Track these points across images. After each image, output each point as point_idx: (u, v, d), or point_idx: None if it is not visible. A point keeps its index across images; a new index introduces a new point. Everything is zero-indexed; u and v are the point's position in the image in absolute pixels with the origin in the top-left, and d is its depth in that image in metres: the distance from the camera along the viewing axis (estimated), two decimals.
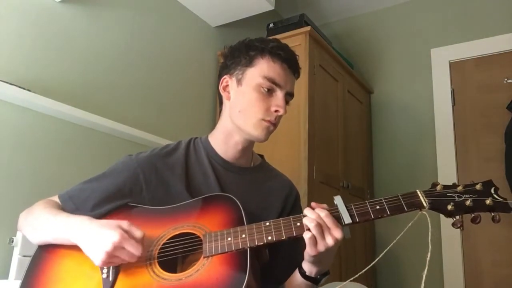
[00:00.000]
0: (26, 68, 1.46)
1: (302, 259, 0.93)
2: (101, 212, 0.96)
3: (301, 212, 1.17)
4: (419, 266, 2.21)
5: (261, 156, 1.20)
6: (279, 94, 1.02)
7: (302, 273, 0.95)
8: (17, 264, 1.26)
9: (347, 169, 2.34)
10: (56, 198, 1.01)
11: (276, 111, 1.02)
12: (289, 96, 1.06)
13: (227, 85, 1.10)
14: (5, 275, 1.28)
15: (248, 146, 1.10)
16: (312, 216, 0.85)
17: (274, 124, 1.04)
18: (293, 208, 1.13)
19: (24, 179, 1.40)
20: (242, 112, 1.03)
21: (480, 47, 2.50)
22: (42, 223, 0.93)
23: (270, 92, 1.02)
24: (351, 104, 2.51)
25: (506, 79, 2.39)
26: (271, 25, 2.33)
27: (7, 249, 1.30)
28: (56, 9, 1.58)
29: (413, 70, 2.70)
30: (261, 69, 1.03)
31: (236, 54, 1.08)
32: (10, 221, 1.33)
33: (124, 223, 0.85)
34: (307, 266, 0.93)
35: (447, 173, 2.45)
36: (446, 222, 2.36)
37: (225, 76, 1.10)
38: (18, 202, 1.36)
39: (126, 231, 0.84)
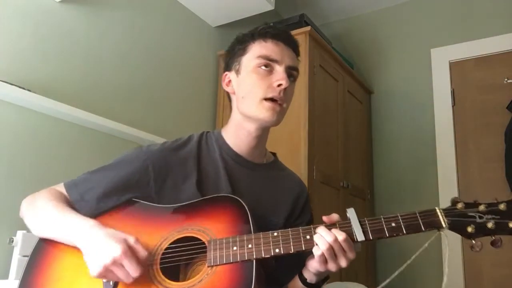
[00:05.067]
0: (26, 68, 1.46)
1: (304, 263, 0.90)
2: (106, 206, 0.94)
3: (311, 213, 1.13)
4: (419, 266, 2.21)
5: (274, 154, 1.17)
6: (279, 68, 1.00)
7: (303, 280, 0.92)
8: (17, 264, 1.26)
9: (347, 169, 2.34)
10: (60, 187, 0.99)
11: (278, 85, 0.98)
12: (292, 70, 1.02)
13: (229, 81, 1.08)
14: (5, 275, 1.28)
15: (261, 136, 1.05)
16: (329, 239, 0.81)
17: (280, 103, 0.99)
18: (303, 210, 1.11)
19: (24, 179, 1.40)
20: (245, 98, 1.01)
21: (480, 47, 2.50)
22: (47, 219, 0.91)
23: (269, 70, 1.00)
24: (351, 104, 2.51)
25: (506, 79, 2.39)
26: (271, 25, 2.32)
27: (7, 249, 1.30)
28: (56, 9, 1.58)
29: (413, 70, 2.70)
30: (254, 52, 1.02)
31: (231, 50, 1.09)
32: (10, 221, 1.33)
33: (131, 239, 0.82)
34: (308, 275, 0.91)
35: (447, 173, 2.45)
36: None
37: (225, 73, 1.09)
38: (18, 202, 1.36)
39: (130, 247, 0.81)
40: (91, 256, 0.81)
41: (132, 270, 0.79)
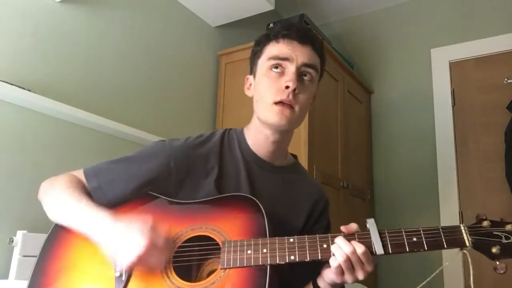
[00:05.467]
0: (26, 68, 1.46)
1: (319, 270, 0.88)
2: (124, 199, 0.94)
3: (329, 220, 1.11)
4: (419, 266, 2.21)
5: (295, 156, 1.15)
6: (289, 69, 0.96)
7: None
8: (17, 264, 1.26)
9: (347, 169, 2.34)
10: (79, 173, 0.98)
11: (286, 87, 0.94)
12: (307, 68, 0.97)
13: (250, 84, 1.07)
14: (5, 275, 1.28)
15: (279, 141, 1.03)
16: (347, 250, 0.78)
17: (290, 105, 0.95)
18: (321, 215, 1.08)
19: (24, 179, 1.40)
20: (258, 102, 1.00)
21: (480, 47, 2.50)
22: (63, 206, 0.90)
23: (281, 72, 0.96)
24: (351, 104, 2.51)
25: (506, 79, 2.39)
26: (271, 25, 2.33)
27: (7, 249, 1.30)
28: (56, 9, 1.58)
29: (413, 70, 2.70)
30: (267, 53, 0.99)
31: (252, 52, 1.07)
32: (10, 221, 1.33)
33: (149, 218, 0.83)
34: (323, 284, 0.88)
35: (447, 173, 2.45)
36: (445, 217, 2.37)
37: (247, 77, 1.08)
38: (18, 202, 1.36)
39: (153, 229, 0.81)
40: (118, 251, 0.80)
41: (163, 254, 0.82)
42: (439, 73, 2.60)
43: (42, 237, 0.95)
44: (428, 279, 0.83)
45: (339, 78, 2.39)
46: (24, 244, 1.27)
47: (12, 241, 1.28)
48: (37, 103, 1.42)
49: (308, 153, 1.95)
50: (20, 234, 1.28)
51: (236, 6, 2.18)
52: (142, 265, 0.81)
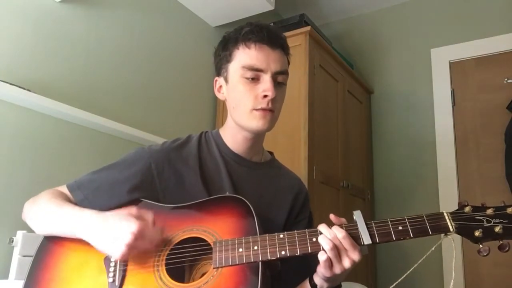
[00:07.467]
0: (26, 68, 1.46)
1: (314, 267, 0.89)
2: (111, 206, 0.93)
3: (310, 211, 1.14)
4: (419, 265, 2.22)
5: (271, 153, 1.18)
6: (265, 78, 0.98)
7: (313, 286, 0.91)
8: (17, 264, 1.26)
9: (347, 169, 2.34)
10: (63, 188, 0.99)
11: (264, 96, 0.97)
12: (279, 75, 1.00)
13: (220, 86, 1.08)
14: (5, 275, 1.28)
15: (257, 140, 1.07)
16: (329, 236, 0.81)
17: (270, 110, 0.99)
18: (302, 207, 1.12)
19: (24, 179, 1.40)
20: (235, 108, 1.02)
21: (480, 47, 2.50)
22: (47, 215, 0.91)
23: (255, 79, 0.99)
24: (351, 104, 2.51)
25: (506, 79, 2.39)
26: (271, 25, 2.32)
27: (7, 249, 1.30)
28: (56, 9, 1.58)
29: (413, 70, 2.70)
30: (239, 61, 1.00)
31: (218, 53, 1.07)
32: (10, 221, 1.33)
33: (133, 210, 0.85)
34: (319, 281, 0.90)
35: (447, 173, 2.45)
36: None
37: (216, 78, 1.09)
38: (18, 202, 1.36)
39: (138, 218, 0.83)
40: (107, 242, 0.82)
41: (155, 234, 0.85)
42: (439, 73, 2.60)
43: (42, 237, 0.95)
44: (416, 265, 0.88)
45: (339, 78, 2.39)
46: (24, 244, 1.27)
47: (12, 241, 1.28)
48: (37, 103, 1.42)
49: (308, 153, 1.95)
50: (20, 234, 1.28)
51: (236, 6, 2.18)
52: (132, 251, 0.82)
